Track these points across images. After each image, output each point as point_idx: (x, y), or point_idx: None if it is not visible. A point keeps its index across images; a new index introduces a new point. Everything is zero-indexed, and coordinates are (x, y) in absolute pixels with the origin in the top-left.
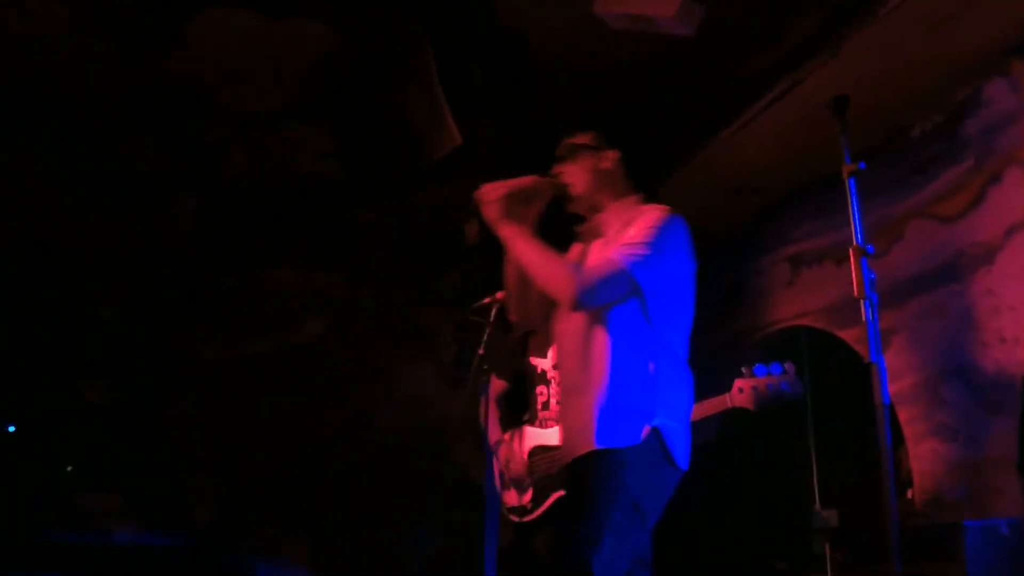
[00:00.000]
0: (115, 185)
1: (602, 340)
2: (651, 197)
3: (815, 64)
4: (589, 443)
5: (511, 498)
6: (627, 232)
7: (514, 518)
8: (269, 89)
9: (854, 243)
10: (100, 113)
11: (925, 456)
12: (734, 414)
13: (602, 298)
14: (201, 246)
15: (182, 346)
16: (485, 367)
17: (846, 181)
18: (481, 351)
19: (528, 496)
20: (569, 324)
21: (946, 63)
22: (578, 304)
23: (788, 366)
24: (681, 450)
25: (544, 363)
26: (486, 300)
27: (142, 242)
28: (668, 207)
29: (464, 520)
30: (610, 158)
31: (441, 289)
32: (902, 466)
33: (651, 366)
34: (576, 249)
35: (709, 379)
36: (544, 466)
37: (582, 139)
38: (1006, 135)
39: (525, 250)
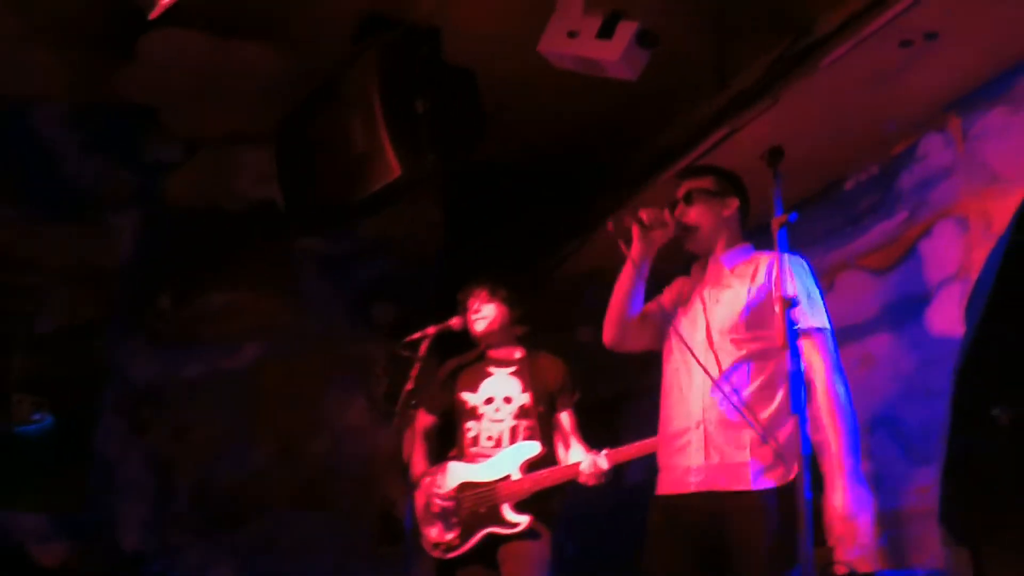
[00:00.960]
0: (59, 199)
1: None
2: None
3: (754, 112)
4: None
5: (435, 533)
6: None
7: (436, 554)
8: (216, 111)
9: (778, 293)
10: (48, 126)
11: None
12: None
13: None
14: (141, 266)
15: (117, 366)
16: (413, 402)
17: (774, 233)
18: (410, 386)
19: (455, 532)
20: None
21: (883, 117)
22: None
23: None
24: None
25: (474, 399)
26: (417, 334)
27: (83, 258)
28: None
29: (390, 554)
30: (731, 206)
31: (376, 320)
32: (823, 514)
33: None
34: (679, 284)
35: (643, 420)
36: (471, 503)
37: (706, 183)
38: (939, 189)
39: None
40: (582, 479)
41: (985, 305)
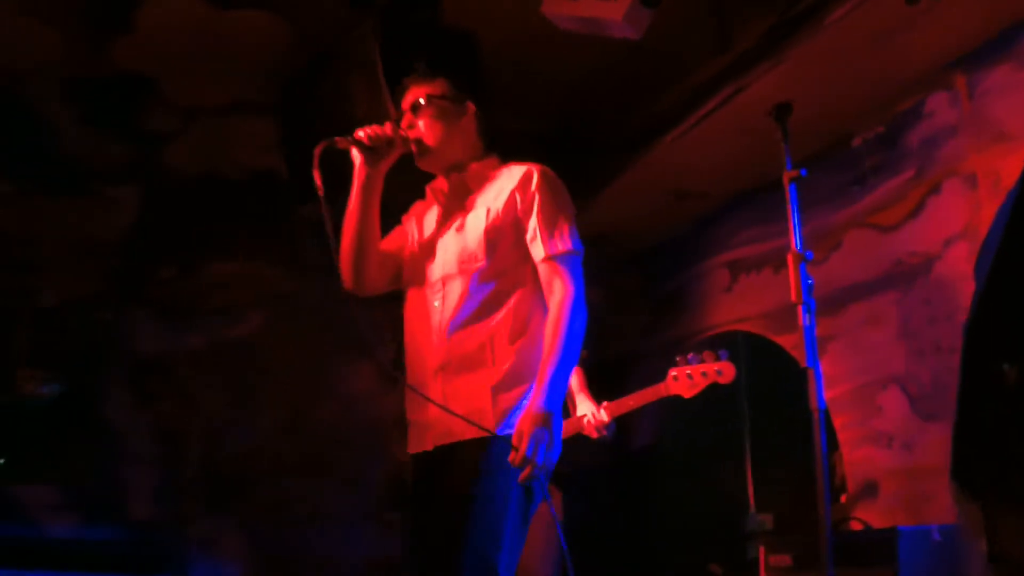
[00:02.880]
0: (58, 173)
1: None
2: (593, 198)
3: (759, 72)
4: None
5: None
6: (514, 203)
7: None
8: (215, 80)
9: (793, 248)
10: (44, 99)
11: (860, 462)
12: (672, 408)
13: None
14: (143, 237)
15: (122, 337)
16: None
17: (786, 187)
18: None
19: None
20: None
21: (889, 75)
22: None
23: (721, 353)
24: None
25: None
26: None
27: (84, 231)
28: (536, 164)
29: (399, 519)
30: (468, 111)
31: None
32: (836, 471)
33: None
34: (418, 207)
35: (648, 380)
36: None
37: (435, 88)
38: (946, 147)
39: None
40: (585, 431)
41: (994, 261)
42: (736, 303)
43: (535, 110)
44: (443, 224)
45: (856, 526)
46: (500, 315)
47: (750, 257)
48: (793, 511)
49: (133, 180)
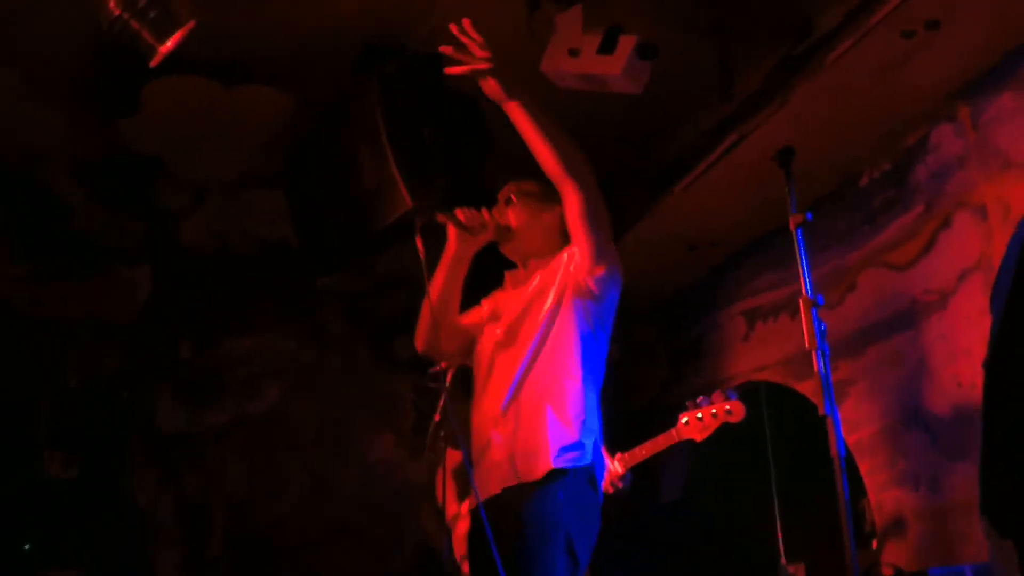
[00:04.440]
0: (73, 253)
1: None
2: None
3: (763, 116)
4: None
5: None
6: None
7: None
8: (223, 155)
9: (803, 295)
10: (56, 181)
11: (888, 505)
12: (699, 460)
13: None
14: (160, 315)
15: (144, 417)
16: (442, 434)
17: (793, 232)
18: (437, 417)
19: None
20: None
21: (893, 109)
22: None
23: (730, 393)
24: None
25: None
26: (442, 364)
27: (101, 311)
28: None
29: None
30: (555, 212)
31: (399, 354)
32: (865, 516)
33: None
34: (498, 293)
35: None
36: None
37: (529, 187)
38: (954, 179)
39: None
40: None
41: (1010, 291)
42: (754, 352)
43: (537, 167)
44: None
45: (887, 572)
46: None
47: (766, 304)
48: (824, 559)
49: (148, 258)
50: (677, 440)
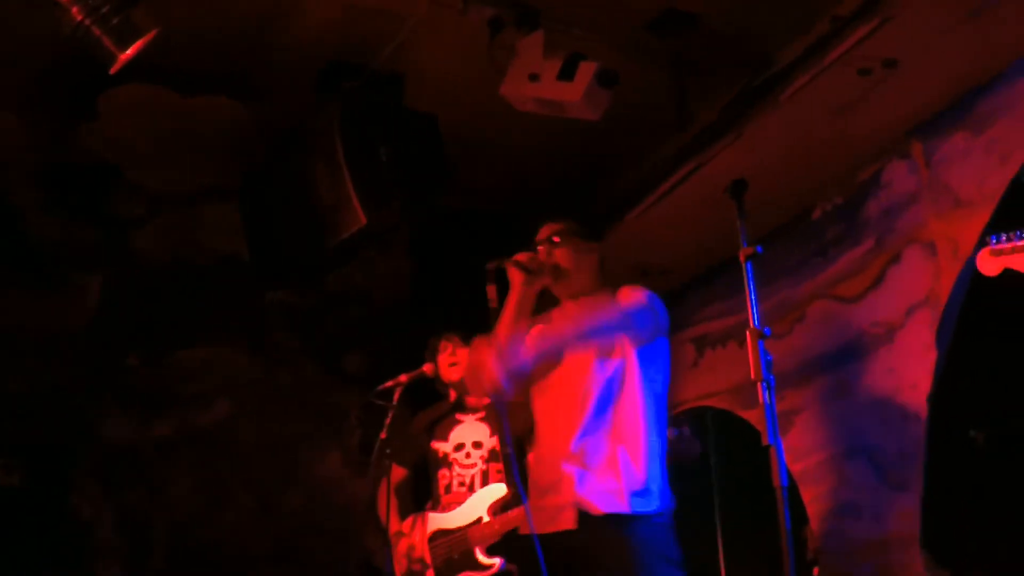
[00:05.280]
0: (23, 260)
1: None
2: None
3: (718, 148)
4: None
5: None
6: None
7: None
8: (181, 166)
9: (751, 325)
10: (9, 186)
11: (830, 535)
12: None
13: None
14: (109, 324)
15: (89, 426)
16: (388, 451)
17: (743, 265)
18: (383, 435)
19: None
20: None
21: (847, 145)
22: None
23: (684, 428)
24: None
25: (445, 447)
26: (389, 383)
27: (50, 318)
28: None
29: None
30: (595, 250)
31: (348, 370)
32: (807, 545)
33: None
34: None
35: None
36: (445, 550)
37: (571, 225)
38: (906, 216)
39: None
40: None
41: (955, 328)
42: (703, 378)
43: (496, 189)
44: None
45: None
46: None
47: (715, 332)
48: None
49: (99, 267)
50: None
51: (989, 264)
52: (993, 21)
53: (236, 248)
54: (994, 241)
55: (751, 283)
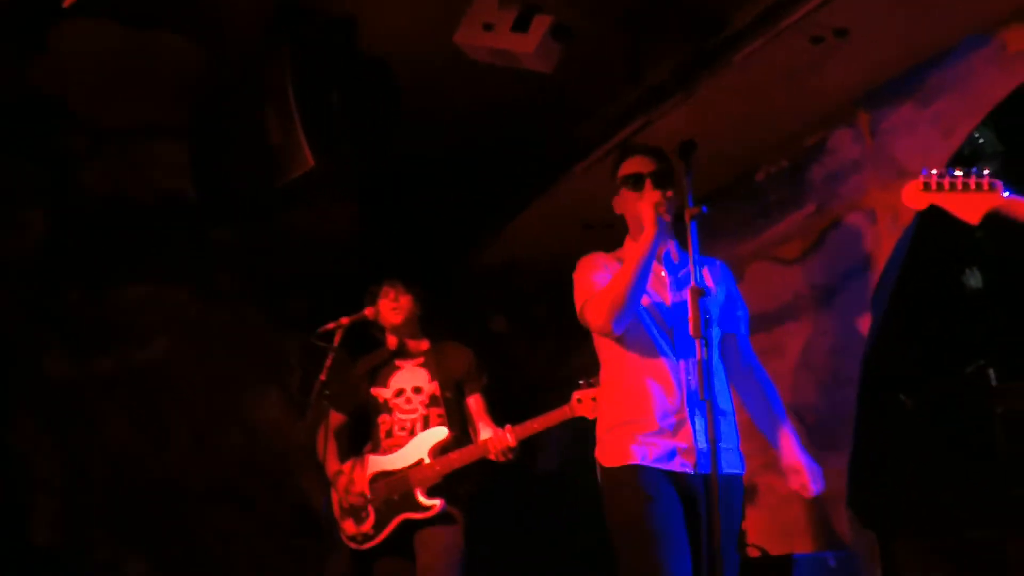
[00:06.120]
0: None
1: None
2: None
3: (669, 105)
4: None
5: (349, 526)
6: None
7: (353, 546)
8: (129, 102)
9: (692, 284)
10: None
11: (760, 489)
12: (576, 433)
13: None
14: (51, 259)
15: (28, 360)
16: (327, 392)
17: (687, 224)
18: (323, 376)
19: (369, 523)
20: None
21: (796, 110)
22: None
23: None
24: None
25: (385, 392)
26: (331, 325)
27: None
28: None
29: (307, 546)
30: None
31: (290, 312)
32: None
33: None
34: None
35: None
36: (385, 491)
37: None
38: (848, 183)
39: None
40: (491, 456)
41: (891, 295)
42: None
43: (447, 136)
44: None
45: (753, 553)
46: None
47: None
48: None
49: (41, 202)
50: (571, 416)
51: (916, 198)
52: None
53: (182, 186)
54: (925, 173)
55: (695, 243)
